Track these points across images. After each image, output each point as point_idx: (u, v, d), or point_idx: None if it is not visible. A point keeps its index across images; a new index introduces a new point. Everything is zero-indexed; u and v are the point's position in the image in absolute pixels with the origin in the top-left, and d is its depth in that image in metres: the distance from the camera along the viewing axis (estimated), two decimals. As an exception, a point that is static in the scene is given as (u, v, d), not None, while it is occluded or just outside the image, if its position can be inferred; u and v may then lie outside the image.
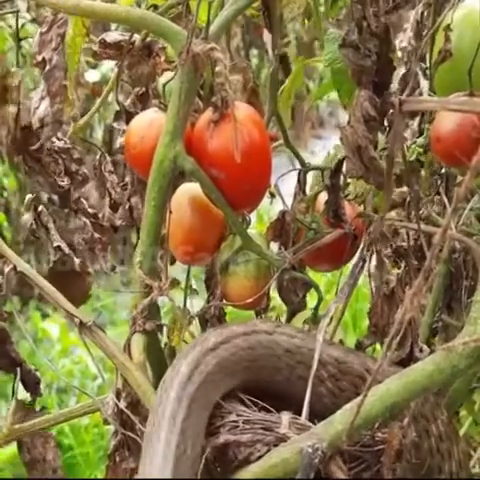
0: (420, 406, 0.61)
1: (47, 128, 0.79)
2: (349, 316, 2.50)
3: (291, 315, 0.80)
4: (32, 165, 0.83)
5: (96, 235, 0.85)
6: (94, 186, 0.86)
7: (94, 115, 0.88)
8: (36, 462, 0.88)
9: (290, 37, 3.99)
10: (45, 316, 2.98)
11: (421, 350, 0.69)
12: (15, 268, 0.80)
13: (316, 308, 0.74)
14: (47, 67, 0.76)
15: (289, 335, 0.66)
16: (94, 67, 3.06)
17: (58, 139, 0.84)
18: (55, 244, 0.85)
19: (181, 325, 0.75)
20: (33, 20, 2.80)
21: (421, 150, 0.82)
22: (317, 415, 0.60)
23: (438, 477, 0.62)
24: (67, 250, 0.85)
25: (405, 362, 0.69)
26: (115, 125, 0.85)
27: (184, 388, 0.58)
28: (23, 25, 2.70)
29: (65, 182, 0.85)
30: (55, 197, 0.85)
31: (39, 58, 0.75)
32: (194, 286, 0.85)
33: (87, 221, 0.86)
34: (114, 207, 0.86)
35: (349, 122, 0.65)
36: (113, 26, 1.06)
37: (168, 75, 0.77)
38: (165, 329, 0.74)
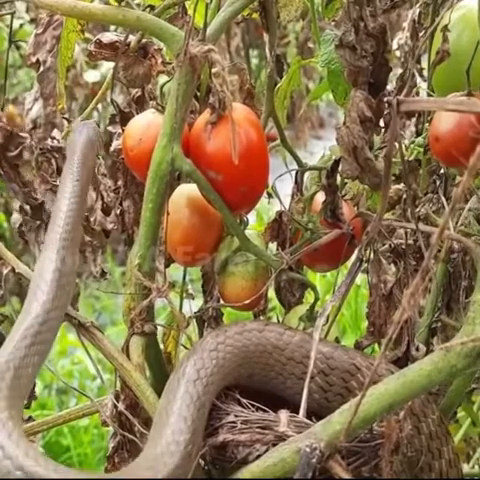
0: (410, 403, 0.62)
1: (40, 130, 0.79)
2: (349, 316, 2.50)
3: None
4: (8, 171, 0.82)
5: (87, 238, 0.85)
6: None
7: (93, 115, 0.88)
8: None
9: (290, 37, 3.99)
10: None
11: (417, 349, 0.69)
12: (14, 270, 0.80)
13: (312, 307, 0.74)
14: (41, 69, 0.76)
15: (278, 332, 0.67)
16: (94, 67, 3.06)
17: (51, 138, 0.83)
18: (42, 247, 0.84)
19: (178, 328, 0.75)
20: (32, 21, 2.80)
21: (421, 150, 0.83)
22: (309, 409, 0.61)
23: (428, 475, 0.63)
24: None
25: (401, 361, 0.69)
26: (110, 128, 0.85)
27: (192, 389, 0.59)
28: (22, 25, 2.69)
29: (57, 182, 0.84)
30: (27, 207, 0.84)
31: (33, 59, 0.75)
32: (190, 288, 0.85)
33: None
34: (106, 211, 0.86)
35: (345, 123, 0.65)
36: (113, 26, 1.06)
37: (164, 77, 0.78)
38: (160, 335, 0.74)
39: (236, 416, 0.61)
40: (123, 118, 0.82)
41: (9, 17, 0.86)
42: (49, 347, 0.61)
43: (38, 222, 0.84)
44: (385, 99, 0.65)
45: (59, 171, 0.85)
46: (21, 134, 0.82)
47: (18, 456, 0.49)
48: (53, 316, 0.61)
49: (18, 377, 0.56)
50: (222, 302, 0.78)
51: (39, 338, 0.59)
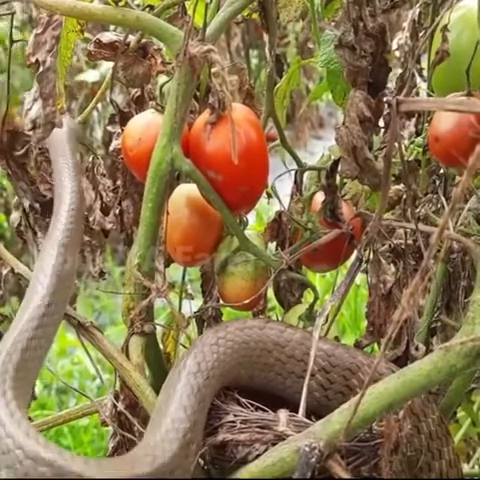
0: (410, 403, 0.62)
1: (39, 130, 0.79)
2: (348, 316, 2.50)
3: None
4: (15, 170, 0.82)
5: (86, 238, 0.85)
6: (85, 188, 0.85)
7: (93, 115, 0.88)
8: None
9: (290, 37, 3.99)
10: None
11: (417, 348, 0.69)
12: (13, 270, 0.80)
13: (311, 306, 0.74)
14: (40, 69, 0.75)
15: (279, 329, 0.67)
16: (94, 67, 3.06)
17: (51, 138, 0.83)
18: (41, 247, 0.84)
19: (177, 328, 0.75)
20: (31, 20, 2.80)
21: (420, 150, 0.83)
22: (308, 408, 0.61)
23: (428, 475, 0.63)
24: None
25: (401, 360, 0.69)
26: (110, 128, 0.85)
27: (192, 381, 0.59)
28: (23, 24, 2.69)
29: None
30: (37, 205, 0.84)
31: (32, 59, 0.75)
32: (189, 288, 0.85)
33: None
34: (105, 210, 0.86)
35: (344, 123, 0.65)
36: (112, 26, 1.06)
37: (164, 77, 0.78)
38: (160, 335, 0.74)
39: (235, 416, 0.61)
40: (122, 118, 0.82)
41: (9, 17, 0.86)
42: (49, 344, 0.61)
43: (48, 220, 0.84)
44: (384, 99, 0.65)
45: None
46: (26, 133, 0.82)
47: (19, 435, 0.49)
48: (53, 311, 0.61)
49: (25, 360, 0.56)
50: (222, 302, 0.78)
51: (40, 331, 0.59)
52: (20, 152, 0.82)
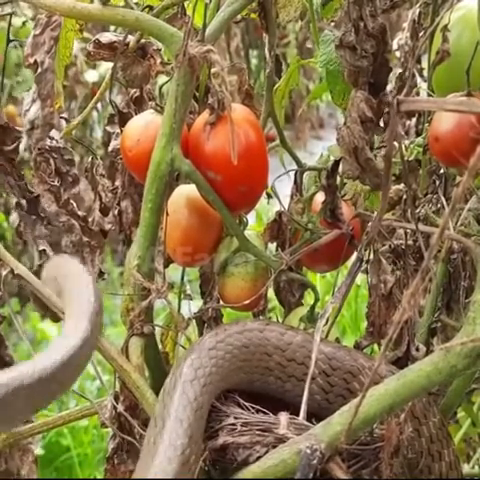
0: (411, 406, 0.61)
1: (37, 130, 0.79)
2: (348, 317, 2.50)
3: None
4: (4, 164, 0.82)
5: (85, 238, 0.84)
6: (84, 189, 0.85)
7: (93, 115, 0.88)
8: (10, 474, 0.86)
9: (290, 37, 3.99)
10: (44, 316, 2.94)
11: (417, 349, 0.69)
12: (13, 271, 0.80)
13: (312, 308, 0.74)
14: (39, 70, 0.75)
15: (279, 332, 0.66)
16: (94, 67, 3.06)
17: (50, 138, 0.83)
18: (40, 248, 0.84)
19: (176, 329, 0.75)
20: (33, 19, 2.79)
21: (420, 150, 0.83)
22: (309, 411, 0.61)
23: (428, 477, 0.63)
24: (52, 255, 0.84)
25: (402, 361, 0.69)
26: (109, 128, 0.85)
27: (188, 390, 0.58)
28: (24, 23, 2.69)
29: (55, 182, 0.84)
30: (23, 201, 0.83)
31: (31, 60, 0.75)
32: (188, 289, 0.85)
33: (76, 223, 0.85)
34: (104, 211, 0.85)
35: (345, 123, 0.65)
36: (112, 26, 1.06)
37: (163, 77, 0.77)
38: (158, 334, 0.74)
39: (236, 418, 0.61)
40: (122, 118, 0.82)
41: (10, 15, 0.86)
42: None
43: (34, 217, 0.83)
44: (385, 99, 0.65)
45: (57, 171, 0.85)
46: (18, 128, 0.82)
47: None
48: None
49: None
50: (222, 303, 0.78)
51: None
52: (10, 147, 0.81)
